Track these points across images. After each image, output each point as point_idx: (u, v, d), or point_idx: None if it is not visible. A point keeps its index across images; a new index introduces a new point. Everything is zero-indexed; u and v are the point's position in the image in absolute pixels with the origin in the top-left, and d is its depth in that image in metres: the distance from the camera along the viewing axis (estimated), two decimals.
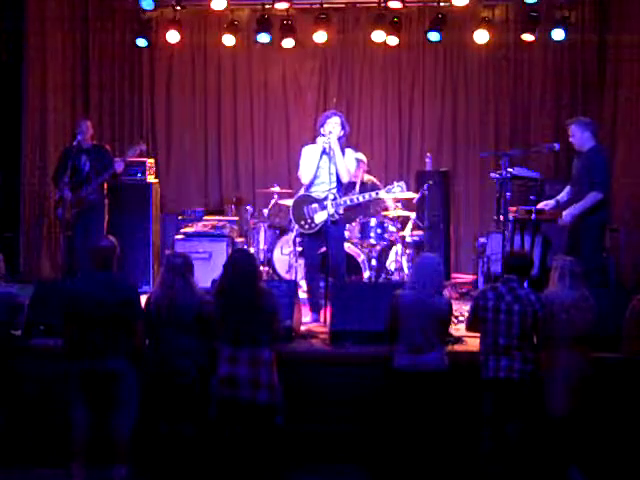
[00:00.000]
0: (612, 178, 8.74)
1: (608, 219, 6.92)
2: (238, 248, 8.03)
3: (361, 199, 7.33)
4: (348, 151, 7.09)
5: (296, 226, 7.23)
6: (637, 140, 8.85)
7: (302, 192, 7.14)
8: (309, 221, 7.01)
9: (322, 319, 6.85)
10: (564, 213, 6.69)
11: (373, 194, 7.40)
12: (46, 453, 5.68)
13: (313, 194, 7.02)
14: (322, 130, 7.01)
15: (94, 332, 5.02)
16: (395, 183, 7.39)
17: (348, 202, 7.06)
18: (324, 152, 6.90)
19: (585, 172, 6.71)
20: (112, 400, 5.06)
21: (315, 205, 6.97)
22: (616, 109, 9.08)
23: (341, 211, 7.00)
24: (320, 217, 6.92)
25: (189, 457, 5.20)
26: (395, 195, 7.53)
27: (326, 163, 6.86)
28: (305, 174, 7.07)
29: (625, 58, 8.97)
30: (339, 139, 6.98)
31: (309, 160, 7.04)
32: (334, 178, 6.87)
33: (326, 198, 6.85)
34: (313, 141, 7.17)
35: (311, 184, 7.05)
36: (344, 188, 7.20)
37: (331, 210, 6.84)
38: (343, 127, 7.02)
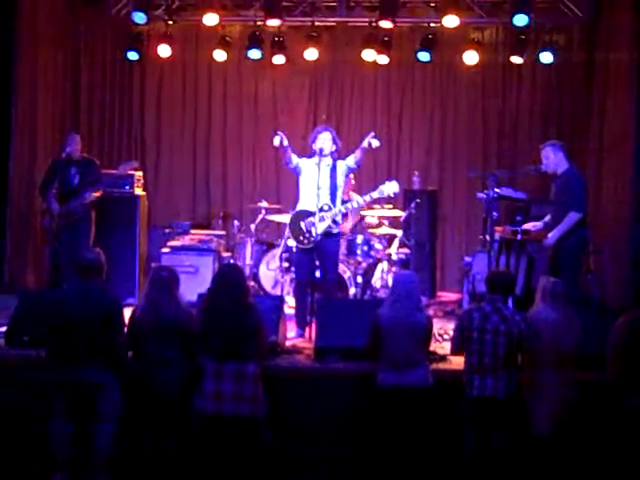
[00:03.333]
0: (597, 198, 8.85)
1: (587, 239, 6.96)
2: (227, 263, 8.02)
3: (355, 205, 7.31)
4: (340, 163, 7.11)
5: (293, 242, 7.21)
6: (623, 161, 8.92)
7: (297, 208, 7.14)
8: (307, 235, 7.00)
9: (307, 335, 6.85)
10: (548, 236, 6.74)
11: (367, 197, 7.31)
12: (27, 464, 5.63)
13: (307, 208, 7.03)
14: (314, 146, 7.03)
15: (76, 344, 5.00)
16: (386, 182, 7.33)
17: (343, 210, 7.07)
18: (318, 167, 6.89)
19: (562, 193, 6.76)
20: (94, 412, 5.03)
21: (311, 219, 6.96)
22: (602, 130, 9.15)
23: (339, 220, 7.02)
24: (317, 229, 6.91)
25: (171, 472, 5.17)
26: (388, 193, 7.35)
27: (318, 178, 6.85)
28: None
29: (612, 80, 9.07)
30: (331, 154, 7.01)
31: (299, 160, 7.09)
32: (327, 192, 6.91)
33: (321, 210, 6.87)
34: (303, 156, 7.19)
35: (305, 199, 7.06)
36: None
37: (327, 222, 6.87)
38: (335, 142, 7.05)
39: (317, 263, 7.01)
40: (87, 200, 7.77)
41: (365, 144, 6.96)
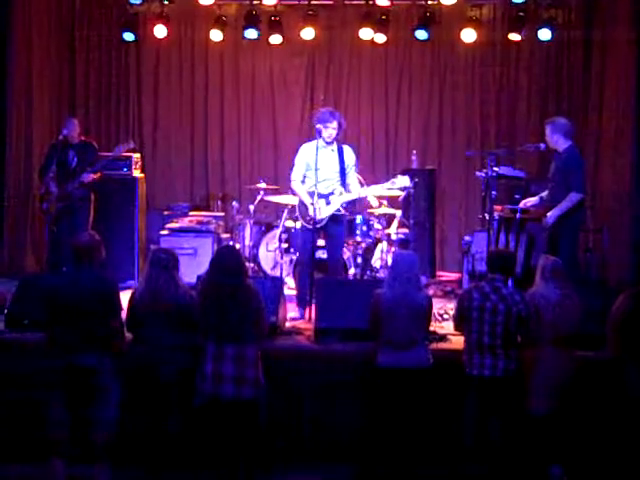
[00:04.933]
0: (596, 177, 8.85)
1: (584, 219, 7.00)
2: (225, 244, 8.03)
3: (364, 194, 7.28)
4: (347, 149, 7.16)
5: (292, 223, 7.21)
6: (622, 139, 8.91)
7: (307, 188, 7.12)
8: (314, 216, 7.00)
9: (307, 316, 6.86)
10: (548, 214, 6.74)
11: (379, 187, 7.33)
12: (26, 449, 5.66)
13: (318, 190, 7.01)
14: (319, 126, 6.97)
15: (74, 328, 4.98)
16: (399, 176, 7.32)
17: (354, 196, 7.09)
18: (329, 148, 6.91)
19: (560, 172, 6.76)
20: (93, 396, 5.02)
21: (322, 200, 6.97)
22: (601, 108, 9.13)
23: (344, 205, 7.03)
24: (326, 212, 6.96)
25: (172, 454, 5.19)
26: (400, 186, 7.37)
27: (329, 159, 6.90)
28: (297, 173, 7.11)
29: (611, 57, 9.04)
30: (336, 138, 7.03)
31: (304, 160, 7.07)
32: (337, 175, 6.94)
33: (332, 193, 6.91)
34: (301, 136, 7.17)
35: (312, 181, 7.03)
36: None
37: (336, 205, 6.91)
38: (340, 127, 7.07)
39: (322, 243, 7.14)
40: (85, 181, 7.75)
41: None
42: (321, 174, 6.96)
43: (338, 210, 6.97)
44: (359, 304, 5.81)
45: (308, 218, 7.01)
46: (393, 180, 7.26)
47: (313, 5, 9.56)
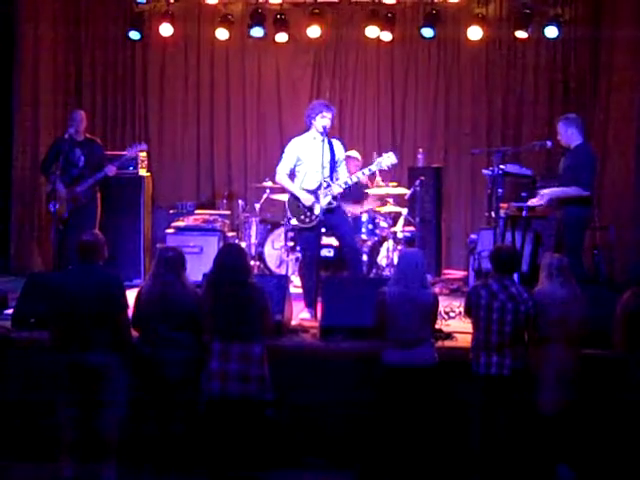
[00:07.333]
0: (602, 174, 8.82)
1: (591, 218, 6.98)
2: (228, 242, 8.03)
3: (354, 179, 7.10)
4: (336, 142, 7.09)
5: (293, 221, 7.14)
6: (629, 138, 8.88)
7: (297, 184, 7.08)
8: (308, 214, 6.94)
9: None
10: (542, 191, 6.72)
11: (366, 171, 7.20)
12: (35, 448, 5.67)
13: (306, 187, 6.98)
14: (314, 122, 6.92)
15: (80, 326, 4.97)
16: (384, 154, 7.17)
17: (343, 185, 6.95)
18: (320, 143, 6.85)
19: (570, 169, 6.73)
20: (100, 395, 5.01)
21: (311, 196, 6.93)
22: (609, 106, 9.10)
23: (336, 192, 6.89)
24: (318, 208, 6.88)
25: (179, 453, 5.19)
26: (386, 165, 7.13)
27: (319, 153, 6.82)
28: (285, 166, 7.03)
29: (618, 54, 9.00)
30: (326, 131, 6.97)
31: (295, 153, 6.99)
32: (327, 171, 6.86)
33: (319, 187, 6.83)
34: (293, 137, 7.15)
35: (302, 177, 7.01)
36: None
37: (327, 199, 6.83)
38: (332, 120, 7.02)
39: (326, 241, 7.07)
40: (109, 174, 7.63)
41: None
42: (311, 168, 6.91)
43: (330, 203, 6.86)
44: (365, 302, 5.79)
45: (302, 217, 6.97)
46: (378, 160, 7.11)
47: (319, 3, 9.58)
